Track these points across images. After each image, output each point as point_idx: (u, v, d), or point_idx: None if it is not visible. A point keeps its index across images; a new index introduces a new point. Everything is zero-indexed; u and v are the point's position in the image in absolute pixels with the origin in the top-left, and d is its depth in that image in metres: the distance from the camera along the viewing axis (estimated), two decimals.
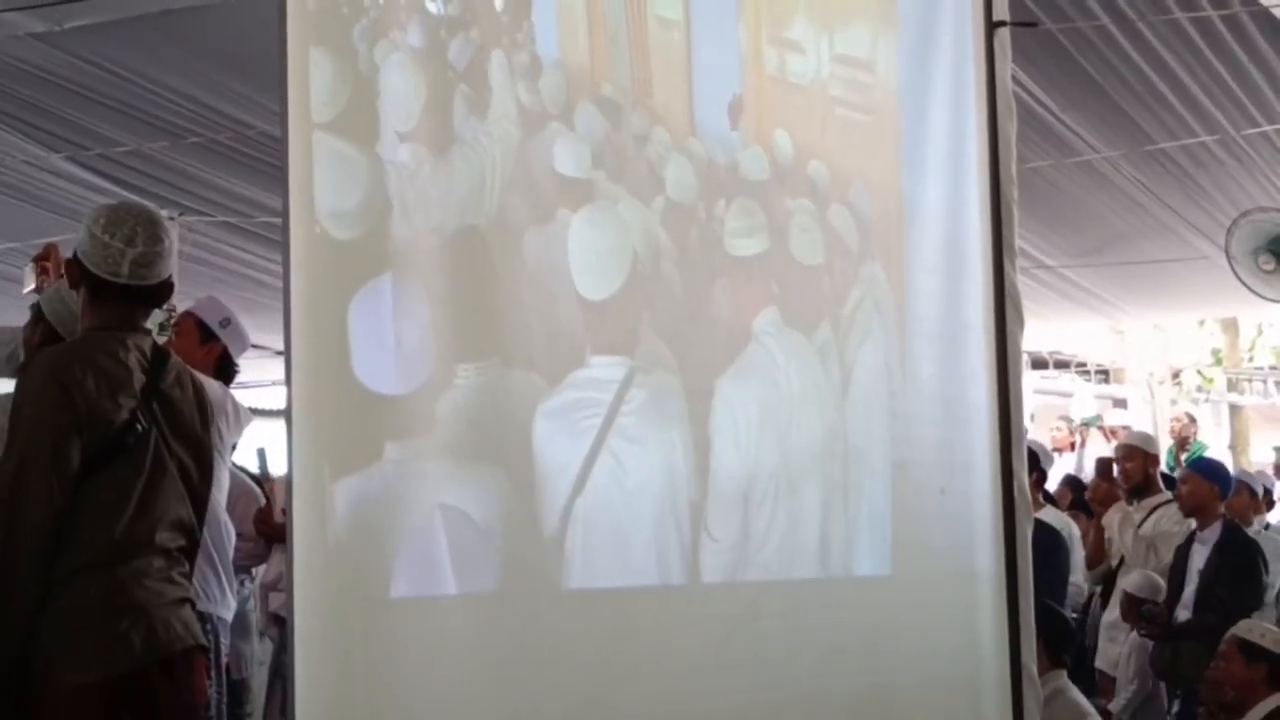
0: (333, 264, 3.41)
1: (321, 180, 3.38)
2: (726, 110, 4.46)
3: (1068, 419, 14.24)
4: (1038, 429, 12.81)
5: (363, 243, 3.45)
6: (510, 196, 3.77)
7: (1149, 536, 8.01)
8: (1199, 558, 7.73)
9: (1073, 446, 13.51)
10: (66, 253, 4.52)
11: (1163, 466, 12.04)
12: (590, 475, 3.84)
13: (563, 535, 3.78)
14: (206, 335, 5.58)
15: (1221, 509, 7.99)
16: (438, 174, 3.59)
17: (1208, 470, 8.26)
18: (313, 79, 3.38)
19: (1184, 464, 12.63)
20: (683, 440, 4.13)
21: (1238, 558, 7.63)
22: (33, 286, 5.08)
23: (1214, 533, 7.78)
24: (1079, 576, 8.68)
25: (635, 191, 4.10)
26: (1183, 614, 7.63)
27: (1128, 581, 7.70)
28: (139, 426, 3.98)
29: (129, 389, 3.97)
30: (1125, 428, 13.23)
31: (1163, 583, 7.69)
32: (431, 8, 3.68)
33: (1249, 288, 9.76)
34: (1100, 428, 14.13)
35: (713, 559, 4.20)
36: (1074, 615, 7.93)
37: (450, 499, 3.56)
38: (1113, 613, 8.16)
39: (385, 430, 3.45)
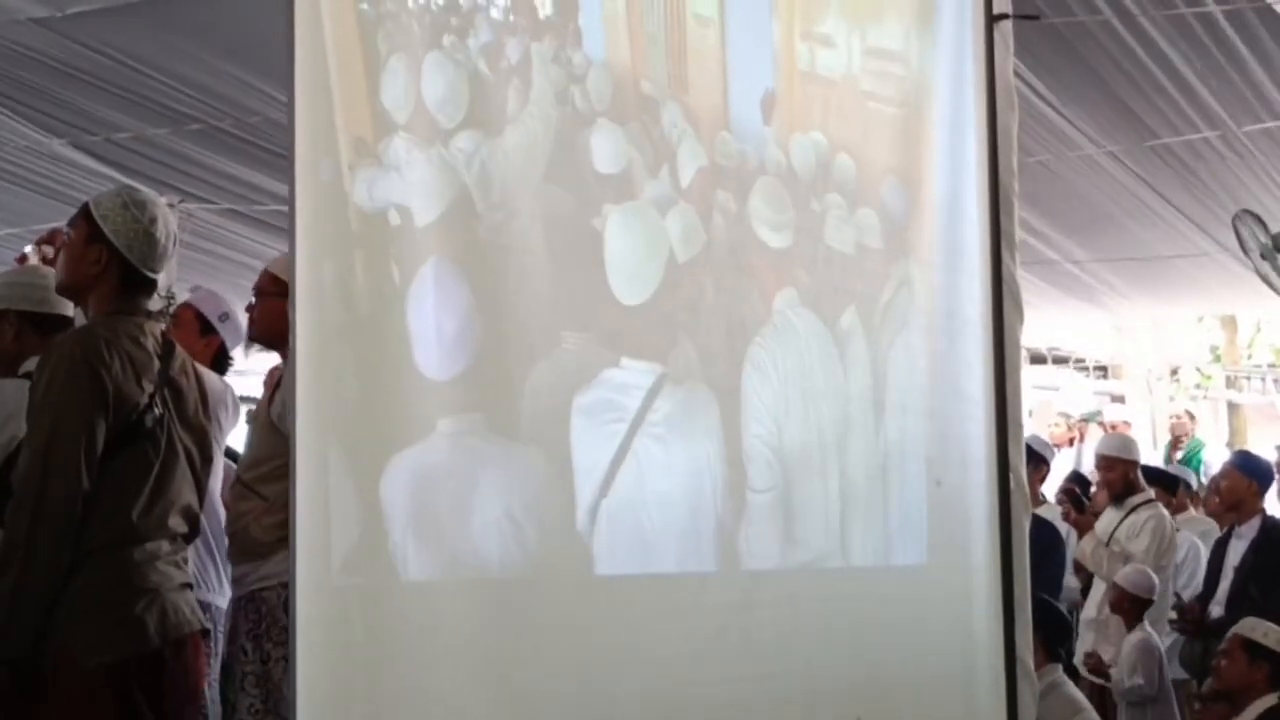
0: (369, 252, 3.45)
1: (366, 171, 3.43)
2: (759, 105, 4.49)
3: (1066, 415, 14.26)
4: (1035, 425, 12.82)
5: (409, 233, 3.50)
6: (555, 192, 3.83)
7: (1121, 552, 7.98)
8: (1235, 554, 7.69)
9: (1071, 442, 13.53)
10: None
11: (1159, 462, 12.11)
12: (619, 468, 3.88)
13: (591, 528, 3.82)
14: (205, 328, 5.60)
15: (1261, 505, 7.95)
16: (485, 167, 3.65)
17: (1246, 465, 8.22)
18: (368, 78, 3.44)
19: (1178, 462, 12.66)
20: (704, 435, 4.16)
21: (1274, 556, 7.57)
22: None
23: (1251, 529, 7.73)
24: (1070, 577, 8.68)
25: (671, 187, 4.15)
26: (1216, 610, 7.58)
27: (1121, 576, 7.68)
28: (156, 411, 4.02)
29: (150, 373, 4.03)
30: (1125, 423, 13.26)
31: (1156, 579, 7.67)
32: (485, 10, 3.76)
33: (1265, 280, 9.69)
34: (1100, 423, 14.16)
35: (717, 550, 4.21)
36: (1070, 612, 7.91)
37: (461, 496, 3.57)
38: (1091, 610, 8.13)
39: (408, 418, 3.48)
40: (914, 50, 4.97)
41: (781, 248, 4.45)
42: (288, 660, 4.30)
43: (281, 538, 4.35)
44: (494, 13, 3.80)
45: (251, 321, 4.98)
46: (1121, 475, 8.29)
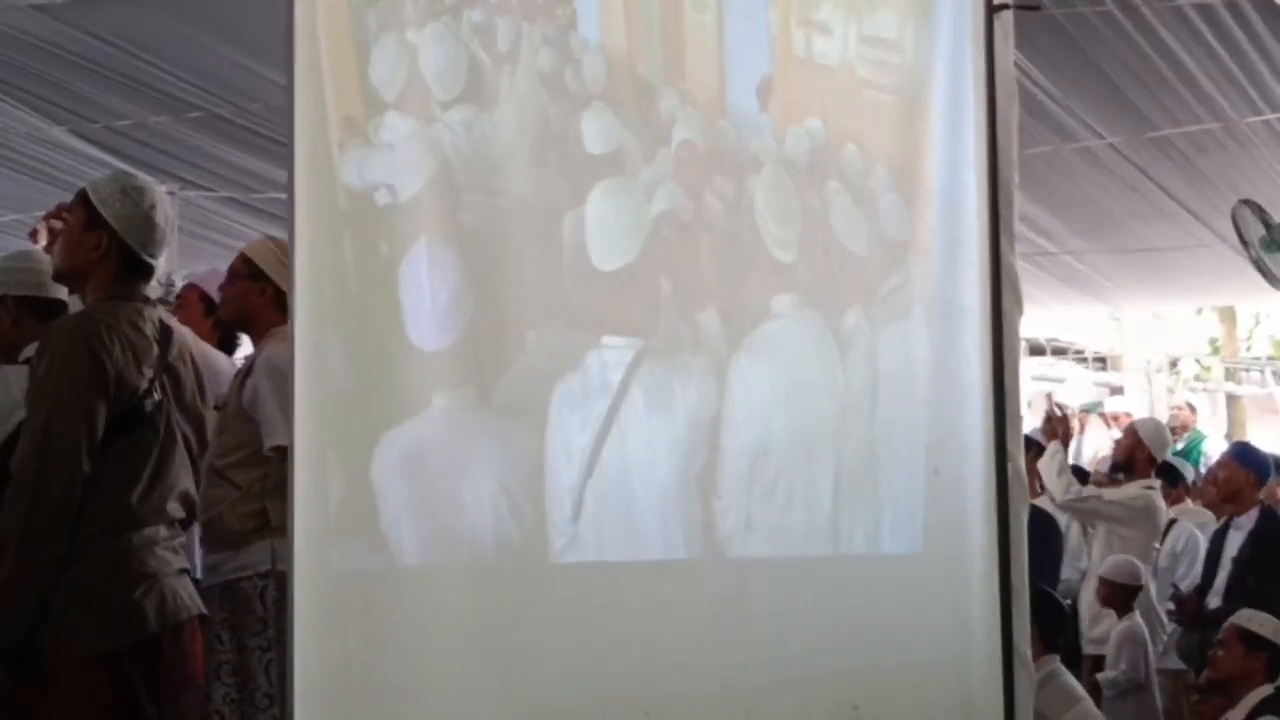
0: (357, 230, 3.45)
1: (356, 150, 3.43)
2: (756, 92, 4.48)
3: (1062, 405, 14.22)
4: (1034, 416, 12.80)
5: (398, 209, 3.49)
6: (545, 173, 3.82)
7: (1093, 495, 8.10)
8: (1233, 545, 7.70)
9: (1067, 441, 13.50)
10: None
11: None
12: (601, 451, 3.86)
13: (576, 511, 3.81)
14: (210, 307, 5.60)
15: (1260, 496, 7.97)
16: (476, 145, 3.64)
17: (1245, 457, 8.23)
18: (358, 56, 3.44)
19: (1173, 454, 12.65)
20: (694, 419, 4.15)
21: (1271, 547, 7.59)
22: (45, 243, 5.10)
23: (1250, 520, 7.75)
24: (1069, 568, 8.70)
25: (665, 171, 4.13)
26: (1214, 600, 7.59)
27: (1105, 567, 7.70)
28: (156, 396, 4.02)
29: (150, 358, 4.04)
30: (1127, 414, 13.25)
31: (1142, 566, 7.68)
32: None
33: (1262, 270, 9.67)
34: (1101, 414, 14.16)
35: (709, 537, 4.21)
36: (1068, 603, 7.91)
37: (455, 472, 3.57)
38: (1087, 600, 8.14)
39: (404, 392, 3.48)
40: (909, 39, 4.96)
41: (777, 234, 4.43)
42: (265, 649, 4.37)
43: (257, 527, 4.41)
44: None
45: (221, 303, 5.00)
46: (1129, 449, 8.33)
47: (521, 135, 3.76)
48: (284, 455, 4.45)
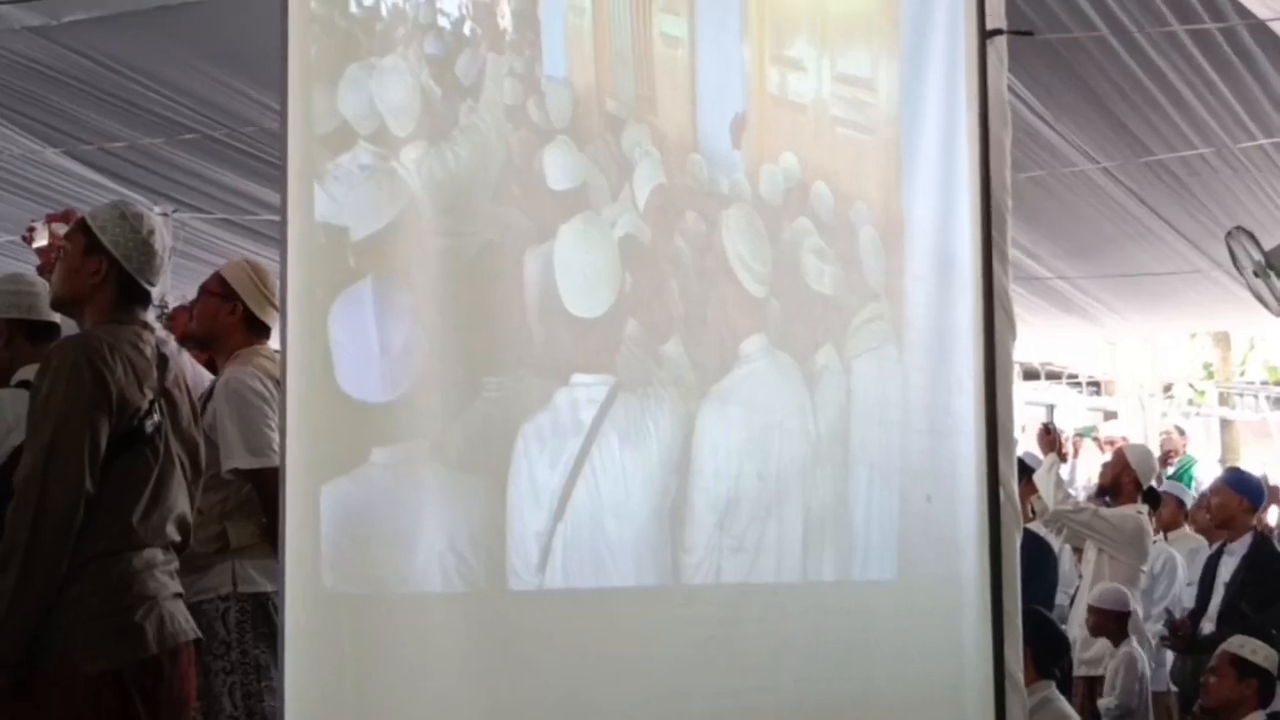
0: (327, 266, 3.41)
1: (320, 185, 3.38)
2: (729, 129, 4.44)
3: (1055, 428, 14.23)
4: (1027, 440, 12.80)
5: (361, 246, 3.44)
6: (508, 209, 3.77)
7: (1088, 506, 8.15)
8: (1226, 570, 7.70)
9: (1064, 458, 13.50)
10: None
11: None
12: (573, 491, 3.83)
13: (544, 557, 3.76)
14: None
15: (1253, 521, 7.97)
16: (436, 183, 3.58)
17: (1238, 482, 8.25)
18: (317, 88, 3.39)
19: (1169, 478, 12.66)
20: (666, 454, 4.11)
21: (1264, 573, 7.59)
22: (44, 243, 5.09)
23: (1242, 545, 7.76)
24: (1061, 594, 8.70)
25: (634, 208, 4.09)
26: (1207, 626, 7.59)
27: (1093, 595, 7.69)
28: (155, 417, 4.03)
29: (150, 379, 4.05)
30: (1124, 439, 13.27)
31: (1129, 594, 7.67)
32: (442, 22, 3.68)
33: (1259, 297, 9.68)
34: (1095, 438, 14.17)
35: (694, 566, 4.19)
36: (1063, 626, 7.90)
37: (434, 504, 3.55)
38: (1075, 626, 8.11)
39: (371, 436, 3.43)
40: (882, 78, 4.94)
41: (748, 273, 4.38)
42: (229, 672, 4.38)
43: (218, 550, 4.47)
44: (448, 25, 3.72)
45: (190, 318, 5.03)
46: (1116, 473, 8.33)
47: (483, 170, 3.70)
48: (244, 478, 4.51)
